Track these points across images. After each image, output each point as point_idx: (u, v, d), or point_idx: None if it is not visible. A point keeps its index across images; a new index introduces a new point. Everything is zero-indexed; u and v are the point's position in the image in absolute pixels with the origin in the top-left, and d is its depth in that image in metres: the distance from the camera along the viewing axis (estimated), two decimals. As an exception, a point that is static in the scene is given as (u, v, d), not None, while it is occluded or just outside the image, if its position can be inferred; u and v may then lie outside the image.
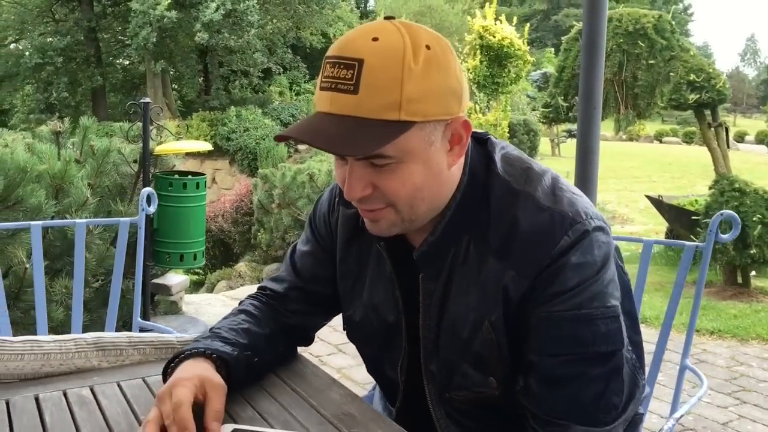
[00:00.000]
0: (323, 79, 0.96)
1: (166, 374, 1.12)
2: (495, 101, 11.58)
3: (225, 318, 1.25)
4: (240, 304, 1.31)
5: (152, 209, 1.83)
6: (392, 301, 1.15)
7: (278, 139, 1.01)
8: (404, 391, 1.20)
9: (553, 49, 32.48)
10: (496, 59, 11.13)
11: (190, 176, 4.06)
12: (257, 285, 1.41)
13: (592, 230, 1.01)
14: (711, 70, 5.10)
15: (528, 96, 19.27)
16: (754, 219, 4.73)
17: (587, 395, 1.00)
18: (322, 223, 1.26)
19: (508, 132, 11.73)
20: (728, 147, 5.27)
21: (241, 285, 6.74)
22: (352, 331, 1.25)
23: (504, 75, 11.25)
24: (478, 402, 1.10)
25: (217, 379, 1.05)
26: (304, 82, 25.14)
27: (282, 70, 22.75)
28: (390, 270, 1.14)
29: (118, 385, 1.23)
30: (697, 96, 4.98)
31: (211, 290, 6.86)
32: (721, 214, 1.63)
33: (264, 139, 15.87)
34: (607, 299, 1.01)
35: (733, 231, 1.62)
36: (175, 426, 0.94)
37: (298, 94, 23.82)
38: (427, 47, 0.95)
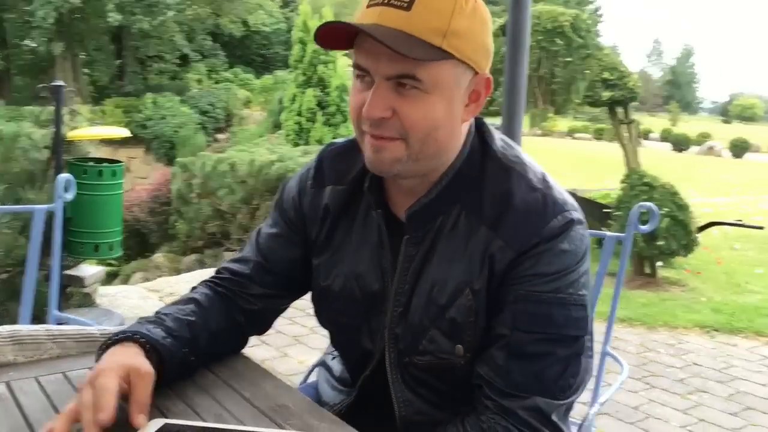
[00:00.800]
0: None
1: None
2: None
3: (175, 303, 1.20)
4: (193, 289, 1.25)
5: (70, 196, 1.74)
6: (378, 269, 1.15)
7: (323, 32, 1.00)
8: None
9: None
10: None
11: (106, 163, 3.91)
12: (178, 275, 1.36)
13: (577, 221, 1.06)
14: (623, 69, 5.30)
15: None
16: (662, 212, 4.95)
17: (551, 373, 1.03)
18: (291, 206, 1.24)
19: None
20: (639, 143, 5.49)
21: (159, 276, 6.55)
22: (328, 301, 1.22)
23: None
24: (438, 368, 1.12)
25: (146, 367, 1.00)
26: (223, 70, 24.66)
27: (200, 56, 22.21)
28: (384, 238, 1.14)
29: (37, 381, 1.17)
30: (611, 93, 5.18)
31: (126, 282, 6.63)
32: (642, 206, 1.69)
33: (182, 128, 15.46)
34: (581, 288, 1.05)
35: (652, 222, 1.69)
36: (90, 411, 0.90)
37: (217, 82, 23.33)
38: (477, 2, 1.01)
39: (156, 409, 1.06)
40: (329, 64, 7.78)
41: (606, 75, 5.14)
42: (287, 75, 22.24)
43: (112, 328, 1.37)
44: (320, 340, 3.91)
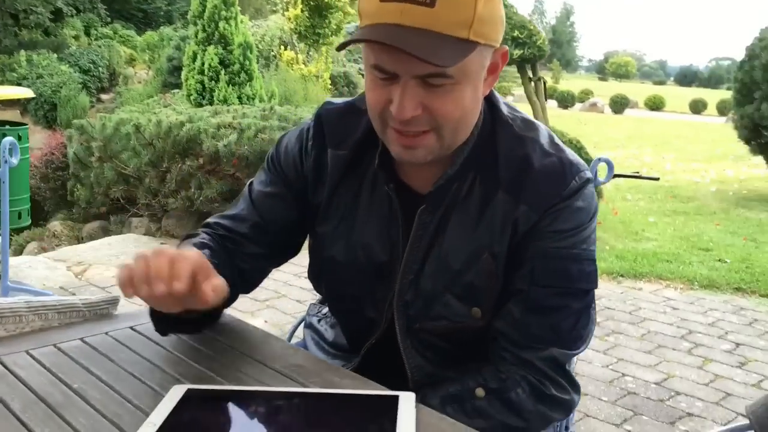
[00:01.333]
0: None
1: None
2: (316, 52, 11.51)
3: (194, 246, 1.14)
4: (193, 236, 1.20)
5: (15, 161, 1.62)
6: (387, 240, 1.15)
7: (342, 46, 0.97)
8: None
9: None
10: (317, 9, 11.01)
11: (8, 126, 3.64)
12: (203, 223, 1.29)
13: (589, 180, 1.10)
14: (532, 28, 5.43)
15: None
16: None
17: (565, 325, 1.08)
18: (291, 166, 1.21)
19: (330, 83, 11.73)
20: (546, 100, 5.69)
21: (58, 246, 6.21)
22: (332, 272, 1.21)
23: (325, 26, 11.17)
24: (452, 331, 1.14)
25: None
26: (101, 26, 23.30)
27: (75, 11, 20.81)
28: (396, 210, 1.13)
29: (29, 354, 1.12)
30: (521, 52, 5.30)
31: (19, 252, 6.24)
32: (600, 159, 1.77)
33: (62, 88, 14.51)
34: (592, 244, 1.10)
35: (608, 174, 1.77)
36: (164, 278, 0.91)
37: (96, 38, 22.02)
38: None
39: (173, 377, 1.04)
40: (231, 21, 7.50)
41: (516, 33, 5.26)
42: (173, 31, 21.39)
43: (93, 298, 1.31)
44: (287, 303, 3.88)
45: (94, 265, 4.83)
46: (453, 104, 0.99)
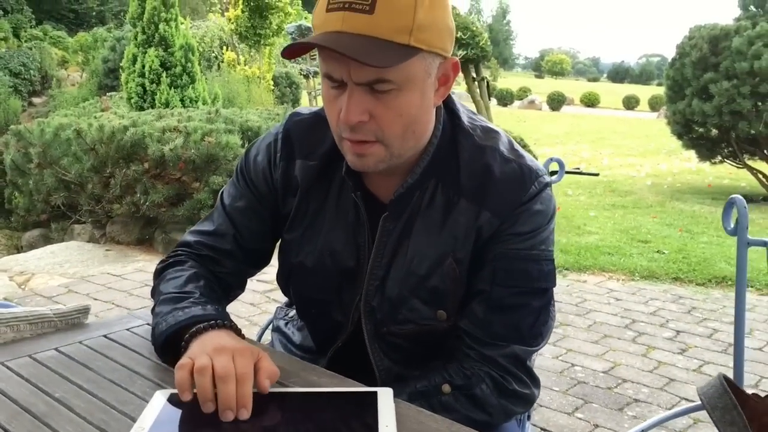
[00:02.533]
0: (332, 1, 0.97)
1: (165, 352, 1.09)
2: (258, 53, 11.43)
3: (188, 280, 1.18)
4: (180, 265, 1.22)
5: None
6: (354, 246, 1.18)
7: (288, 51, 1.01)
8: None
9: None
10: (257, 10, 10.95)
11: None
12: (180, 240, 1.31)
13: (547, 184, 1.15)
14: (475, 29, 5.55)
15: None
16: (514, 164, 5.29)
17: (526, 322, 1.14)
18: (262, 179, 1.23)
19: (273, 84, 11.67)
20: (489, 99, 5.80)
21: (-5, 255, 6.03)
22: (299, 277, 1.24)
23: (266, 26, 11.11)
24: (418, 334, 1.19)
25: (255, 348, 1.03)
26: (31, 27, 22.58)
27: (2, 12, 20.12)
28: (362, 218, 1.17)
29: (5, 365, 1.11)
30: (464, 52, 5.40)
31: (-46, 264, 6.02)
32: (551, 159, 1.85)
33: (-10, 91, 13.99)
34: (550, 244, 1.16)
35: (560, 172, 1.85)
36: (232, 402, 0.92)
37: (26, 40, 21.34)
38: None
39: (154, 383, 1.06)
40: (171, 23, 7.39)
41: (459, 35, 5.35)
42: (107, 32, 20.88)
43: (64, 308, 1.31)
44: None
45: (37, 274, 4.71)
46: (396, 111, 1.02)
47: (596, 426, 2.72)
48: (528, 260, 1.13)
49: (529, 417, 1.46)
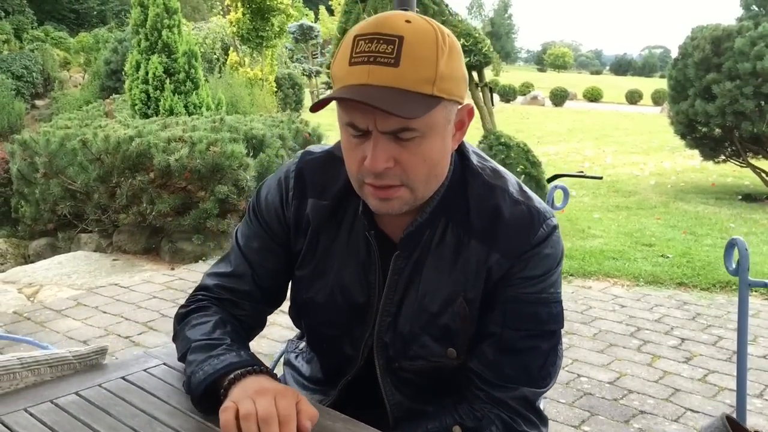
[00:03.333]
0: (356, 54, 1.00)
1: (201, 400, 1.11)
2: (260, 55, 11.45)
3: (216, 327, 1.21)
4: (204, 311, 1.26)
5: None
6: (365, 284, 1.21)
7: (317, 106, 1.04)
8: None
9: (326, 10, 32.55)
10: (258, 12, 10.96)
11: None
12: (199, 283, 1.34)
13: (556, 227, 1.18)
14: (477, 35, 5.56)
15: (286, 48, 19.25)
16: (518, 170, 5.33)
17: (535, 364, 1.17)
18: (274, 218, 1.26)
19: (276, 86, 11.69)
20: (492, 104, 5.82)
21: (2, 264, 6.07)
22: (311, 312, 1.27)
23: (267, 29, 11.13)
24: (429, 371, 1.22)
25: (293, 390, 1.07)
26: (32, 28, 22.61)
27: (4, 13, 20.15)
28: (374, 256, 1.20)
29: (28, 412, 1.14)
30: (467, 59, 5.41)
31: (-40, 273, 6.06)
32: (555, 187, 1.87)
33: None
34: (558, 287, 1.19)
35: (564, 201, 1.87)
36: None
37: (29, 42, 21.39)
38: (449, 35, 1.04)
39: (173, 429, 1.09)
40: (174, 29, 7.41)
41: (462, 41, 5.37)
42: (108, 33, 20.89)
43: (82, 350, 1.34)
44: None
45: (45, 285, 4.74)
46: (421, 157, 1.06)
47: (603, 439, 2.75)
48: (538, 303, 1.16)
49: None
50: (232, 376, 1.08)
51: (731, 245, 1.36)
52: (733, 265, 1.35)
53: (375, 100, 0.97)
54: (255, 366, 1.10)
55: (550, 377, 1.20)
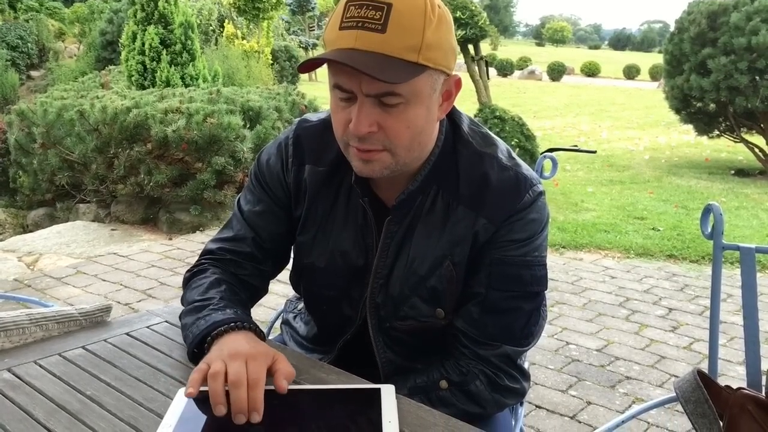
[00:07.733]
0: (346, 19, 1.04)
1: (196, 359, 1.13)
2: (256, 27, 11.39)
3: (210, 287, 1.26)
4: (203, 273, 1.30)
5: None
6: (363, 247, 1.27)
7: (305, 67, 1.08)
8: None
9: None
10: (256, -17, 10.91)
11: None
12: (203, 249, 1.38)
13: (542, 193, 1.23)
14: (473, 8, 5.56)
15: (282, 20, 19.09)
16: (513, 143, 5.37)
17: (518, 324, 1.23)
18: (277, 182, 1.31)
19: (272, 58, 11.65)
20: (488, 78, 5.84)
21: (1, 233, 6.12)
22: (311, 276, 1.33)
23: (264, 0, 11.07)
24: (418, 330, 1.28)
25: (276, 351, 1.11)
26: (27, -2, 22.35)
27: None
28: (370, 220, 1.25)
29: (38, 364, 1.21)
30: (463, 32, 5.43)
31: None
32: (544, 156, 1.93)
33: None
34: (543, 251, 1.24)
35: (553, 170, 1.93)
36: (244, 408, 0.99)
37: (23, 12, 21.18)
38: (439, 6, 1.08)
39: (176, 380, 1.15)
40: (170, 0, 7.39)
41: (458, 14, 5.38)
42: (103, 2, 20.68)
43: (88, 308, 1.41)
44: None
45: (45, 254, 4.80)
46: (404, 124, 1.10)
47: (589, 403, 2.84)
48: (522, 266, 1.21)
49: (521, 404, 1.57)
50: (214, 333, 1.13)
51: (707, 211, 1.42)
52: (709, 229, 1.41)
53: (359, 63, 1.01)
54: (237, 323, 1.14)
55: (533, 336, 1.26)
